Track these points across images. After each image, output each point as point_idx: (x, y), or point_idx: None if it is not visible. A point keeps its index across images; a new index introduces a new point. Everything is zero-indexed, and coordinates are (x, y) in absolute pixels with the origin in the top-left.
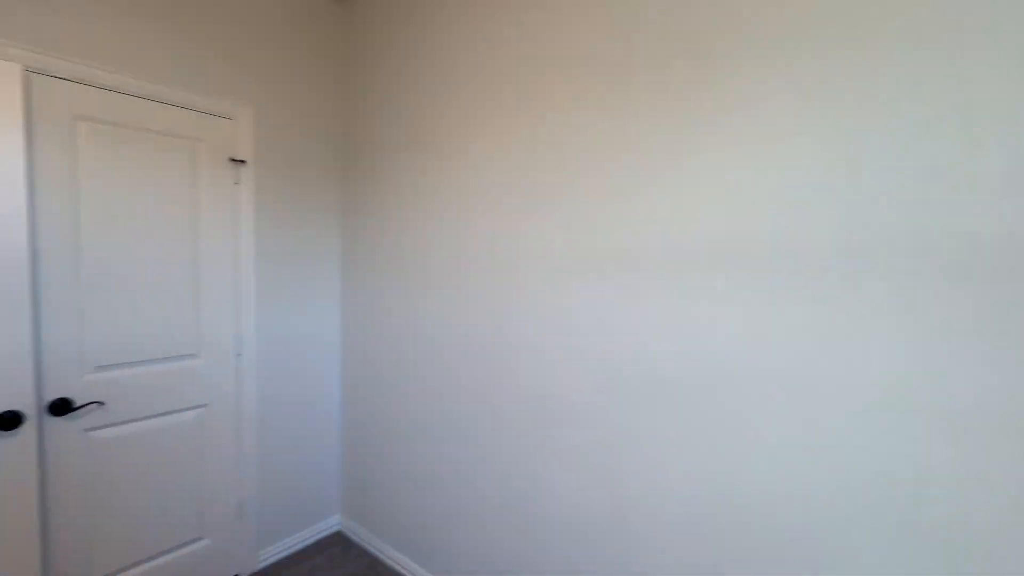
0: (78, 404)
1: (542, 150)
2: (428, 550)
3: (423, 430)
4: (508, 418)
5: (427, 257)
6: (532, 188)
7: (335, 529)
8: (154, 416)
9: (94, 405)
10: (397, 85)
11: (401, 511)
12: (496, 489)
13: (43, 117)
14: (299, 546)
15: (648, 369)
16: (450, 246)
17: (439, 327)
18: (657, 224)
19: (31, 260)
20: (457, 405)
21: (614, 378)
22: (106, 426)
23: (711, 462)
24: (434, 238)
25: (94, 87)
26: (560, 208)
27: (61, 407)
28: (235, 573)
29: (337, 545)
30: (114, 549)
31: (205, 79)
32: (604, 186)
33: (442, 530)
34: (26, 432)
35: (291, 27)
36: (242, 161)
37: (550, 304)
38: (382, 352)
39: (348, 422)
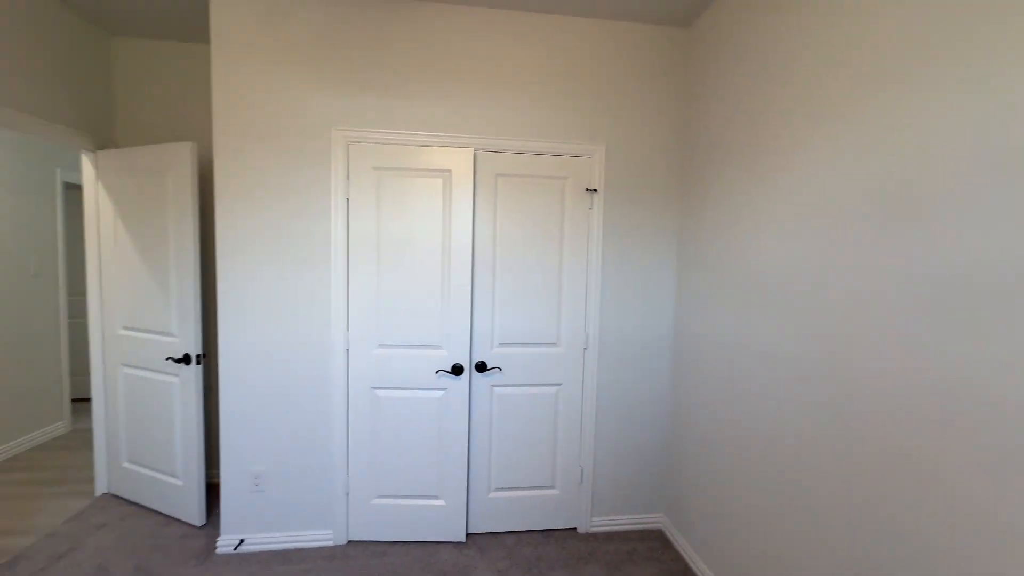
0: (490, 366)
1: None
2: None
3: (742, 457)
4: (864, 475)
5: (759, 274)
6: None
7: (657, 526)
8: (528, 385)
9: (496, 369)
10: (733, 102)
11: (718, 532)
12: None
13: (480, 178)
14: (623, 527)
15: None
16: (782, 262)
17: (772, 349)
18: None
19: (471, 270)
20: (791, 444)
21: None
22: (502, 385)
23: None
24: (767, 255)
25: (506, 153)
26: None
27: (481, 367)
28: (574, 526)
29: (656, 541)
30: (501, 473)
31: (574, 131)
32: None
33: (761, 571)
34: (464, 378)
35: (638, 62)
36: (594, 190)
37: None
38: (710, 366)
39: (674, 426)
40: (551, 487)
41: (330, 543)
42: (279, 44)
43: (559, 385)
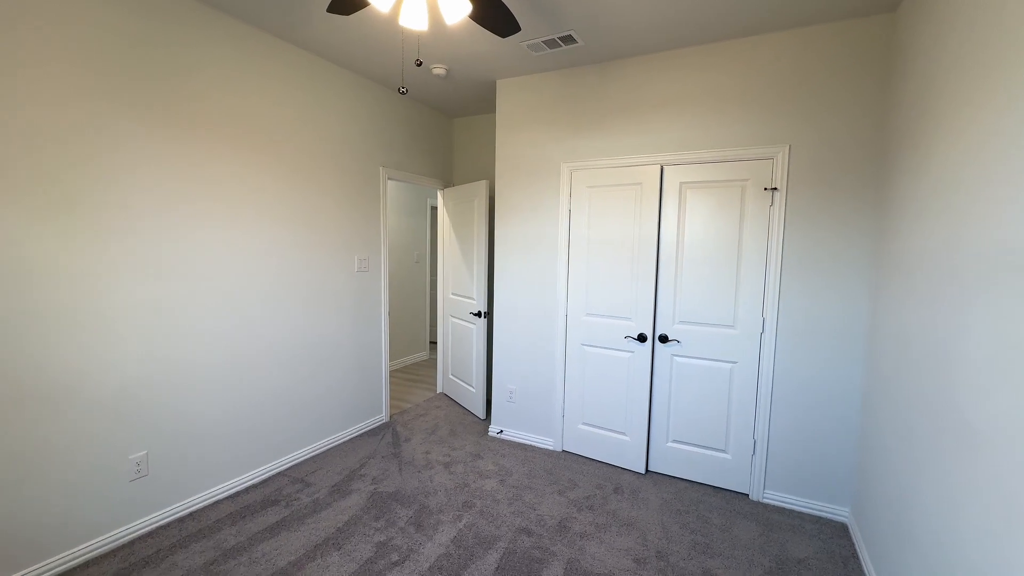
0: (670, 338)
1: None
2: None
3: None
4: None
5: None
6: None
7: (841, 520)
8: (705, 359)
9: (676, 342)
10: (950, 87)
11: (899, 553)
12: None
13: (667, 187)
14: (799, 508)
15: None
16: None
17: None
18: None
19: (656, 261)
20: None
21: None
22: (681, 356)
23: None
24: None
25: (690, 164)
26: None
27: (663, 338)
28: (745, 492)
29: (837, 536)
30: (678, 427)
31: (756, 136)
32: None
33: None
34: (647, 345)
35: (827, 59)
36: (775, 188)
37: None
38: (917, 367)
39: (866, 421)
40: (723, 451)
41: (551, 447)
42: (529, 110)
43: (734, 363)
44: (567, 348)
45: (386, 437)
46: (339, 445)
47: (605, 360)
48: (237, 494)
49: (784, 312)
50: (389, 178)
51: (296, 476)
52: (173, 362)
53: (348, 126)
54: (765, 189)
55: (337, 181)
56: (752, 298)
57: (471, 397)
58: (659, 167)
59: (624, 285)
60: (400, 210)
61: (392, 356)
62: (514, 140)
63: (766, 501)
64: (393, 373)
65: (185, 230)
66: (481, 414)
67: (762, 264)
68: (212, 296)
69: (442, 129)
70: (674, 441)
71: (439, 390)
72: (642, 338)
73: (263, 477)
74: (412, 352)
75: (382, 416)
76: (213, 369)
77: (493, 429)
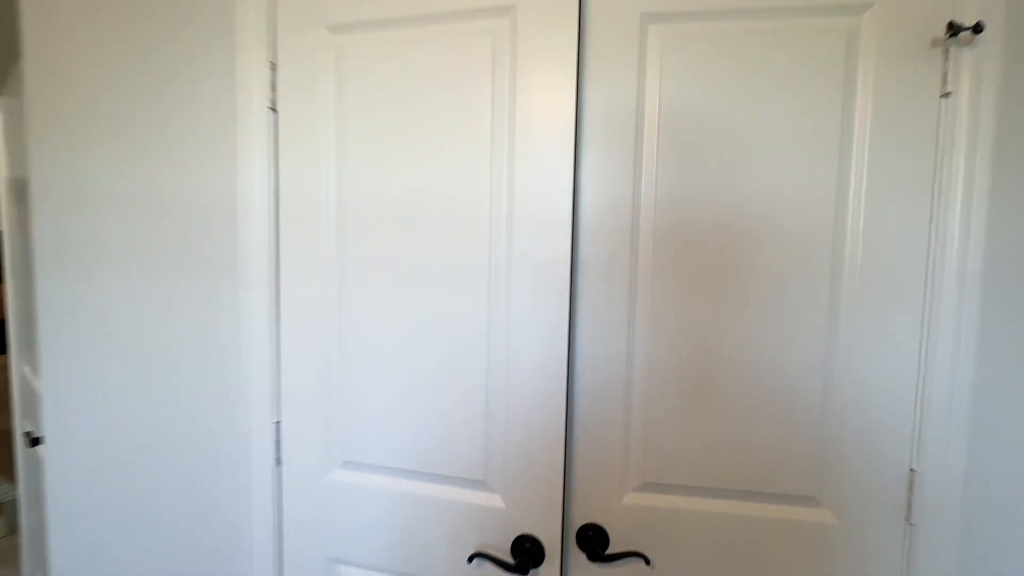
0: (617, 548)
1: None
2: None
3: None
4: None
5: None
6: None
7: None
8: None
9: (635, 557)
10: None
11: None
12: None
13: (597, 29)
14: None
15: None
16: None
17: None
18: None
19: (568, 278)
20: None
21: None
22: None
23: None
24: None
25: None
26: None
27: (593, 543)
28: None
29: None
30: None
31: None
32: None
33: None
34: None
35: None
36: (966, 29)
37: None
38: None
39: None
40: None
41: None
42: None
43: None
44: (285, 572)
45: None
46: None
47: None
48: None
49: (994, 450)
50: None
51: None
52: None
53: None
54: (934, 40)
55: None
56: (881, 408)
57: None
58: None
59: (465, 367)
60: None
61: None
62: None
63: None
64: None
65: None
66: None
67: (917, 281)
68: None
69: None
70: None
71: None
72: (526, 561)
73: None
74: None
75: None
76: None
77: None
